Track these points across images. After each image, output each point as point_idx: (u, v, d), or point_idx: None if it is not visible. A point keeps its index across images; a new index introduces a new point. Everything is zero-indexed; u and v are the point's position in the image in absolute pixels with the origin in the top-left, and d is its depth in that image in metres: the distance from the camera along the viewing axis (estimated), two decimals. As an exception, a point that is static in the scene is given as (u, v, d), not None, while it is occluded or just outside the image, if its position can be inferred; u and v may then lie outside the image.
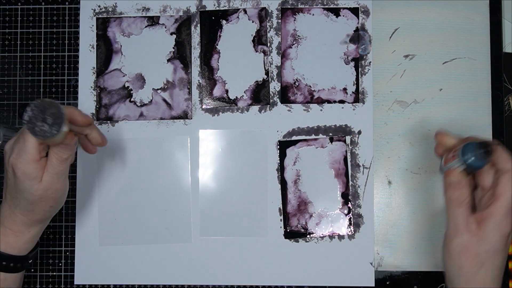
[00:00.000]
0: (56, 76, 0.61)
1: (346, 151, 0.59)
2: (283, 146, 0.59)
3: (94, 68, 0.60)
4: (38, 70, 0.61)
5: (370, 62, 0.59)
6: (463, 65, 0.59)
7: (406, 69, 0.60)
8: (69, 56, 0.61)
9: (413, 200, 0.59)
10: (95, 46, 0.60)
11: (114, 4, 0.61)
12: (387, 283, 0.59)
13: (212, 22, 0.60)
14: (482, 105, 0.59)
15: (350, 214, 0.58)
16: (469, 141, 0.42)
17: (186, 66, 0.60)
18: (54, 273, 0.59)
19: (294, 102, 0.59)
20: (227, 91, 0.60)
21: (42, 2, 0.61)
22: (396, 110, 0.59)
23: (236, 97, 0.60)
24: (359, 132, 0.59)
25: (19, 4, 0.61)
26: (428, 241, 0.58)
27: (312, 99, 0.59)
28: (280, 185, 0.59)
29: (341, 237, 0.58)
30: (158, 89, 0.60)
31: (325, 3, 0.60)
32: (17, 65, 0.61)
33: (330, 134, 0.59)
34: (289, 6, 0.60)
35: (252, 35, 0.60)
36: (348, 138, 0.59)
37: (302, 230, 0.58)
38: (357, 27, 0.60)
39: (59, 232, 0.60)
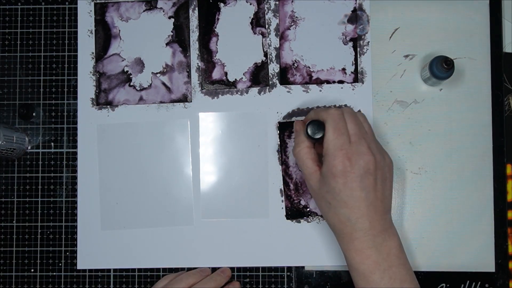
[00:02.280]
0: (56, 76, 0.61)
1: (346, 131, 0.59)
2: (283, 127, 0.59)
3: (93, 53, 0.60)
4: (38, 70, 0.61)
5: (368, 42, 0.60)
6: (463, 65, 0.59)
7: (406, 69, 0.60)
8: (69, 56, 0.61)
9: (413, 200, 0.59)
10: (93, 31, 0.60)
11: (112, -11, 0.61)
12: (388, 282, 0.59)
13: (210, 5, 0.60)
14: (482, 105, 0.59)
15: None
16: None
17: (185, 49, 0.60)
18: (54, 273, 0.60)
19: (293, 83, 0.59)
20: (226, 73, 0.60)
21: (42, 2, 0.61)
22: (396, 110, 0.59)
23: (236, 79, 0.60)
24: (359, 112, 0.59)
25: (19, 4, 0.62)
26: (428, 241, 0.58)
27: (311, 79, 0.59)
28: (281, 166, 0.59)
29: (342, 216, 0.58)
30: (157, 73, 0.60)
31: (322, -16, 0.60)
32: (17, 65, 0.61)
33: (330, 114, 0.59)
34: (286, -12, 0.60)
35: (250, 17, 0.60)
36: (348, 118, 0.59)
37: (304, 210, 0.58)
38: (354, 7, 0.60)
39: (59, 232, 0.60)
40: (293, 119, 0.59)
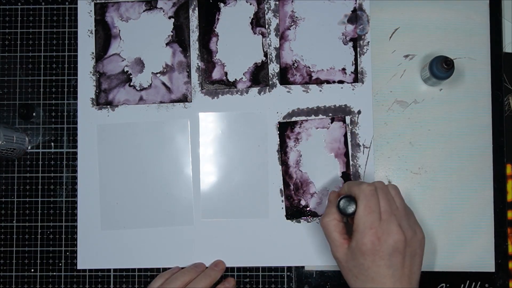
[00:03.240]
0: (56, 76, 0.61)
1: (346, 131, 0.59)
2: (283, 127, 0.59)
3: (93, 53, 0.60)
4: (38, 70, 0.61)
5: (368, 42, 0.60)
6: (463, 65, 0.59)
7: (406, 69, 0.60)
8: (69, 56, 0.61)
9: (413, 200, 0.59)
10: (93, 31, 0.60)
11: (112, -11, 0.61)
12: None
13: (210, 5, 0.60)
14: (482, 105, 0.59)
15: (351, 193, 0.58)
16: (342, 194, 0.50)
17: (185, 49, 0.60)
18: (54, 273, 0.60)
19: (293, 83, 0.59)
20: (226, 73, 0.60)
21: (42, 2, 0.62)
22: (396, 110, 0.59)
23: (236, 79, 0.60)
24: (359, 112, 0.59)
25: (19, 4, 0.62)
26: (427, 241, 0.57)
27: (311, 79, 0.59)
28: (280, 166, 0.59)
29: (342, 216, 0.58)
30: (157, 73, 0.60)
31: (322, -16, 0.60)
32: (17, 65, 0.61)
33: (330, 114, 0.59)
34: (286, -12, 0.60)
35: (250, 17, 0.60)
36: (347, 118, 0.59)
37: (304, 210, 0.58)
38: (354, 7, 0.60)
39: (59, 232, 0.60)
40: (293, 119, 0.59)
